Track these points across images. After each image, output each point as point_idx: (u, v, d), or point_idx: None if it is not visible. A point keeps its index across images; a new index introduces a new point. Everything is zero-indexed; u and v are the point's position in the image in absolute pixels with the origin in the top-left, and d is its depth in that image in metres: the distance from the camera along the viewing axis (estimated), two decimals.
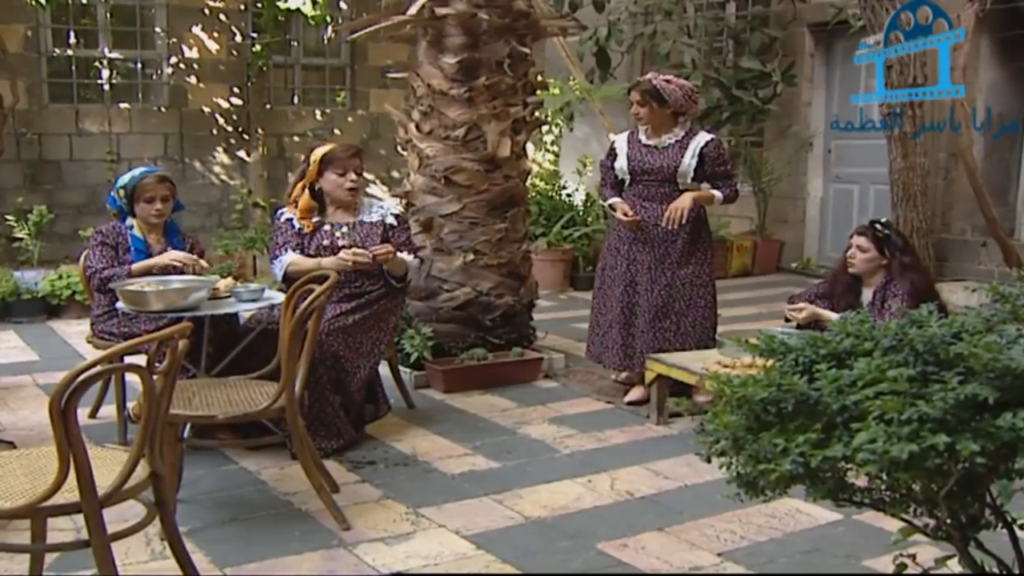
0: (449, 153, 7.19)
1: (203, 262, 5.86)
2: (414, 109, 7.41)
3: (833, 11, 11.54)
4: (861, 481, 2.71)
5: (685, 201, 6.43)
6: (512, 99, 7.26)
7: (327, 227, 6.02)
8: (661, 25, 12.27)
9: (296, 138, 13.19)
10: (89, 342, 6.11)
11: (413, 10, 6.97)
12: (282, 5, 11.99)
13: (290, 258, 5.92)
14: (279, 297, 5.41)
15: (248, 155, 12.74)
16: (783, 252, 12.98)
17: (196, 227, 11.57)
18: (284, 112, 13.26)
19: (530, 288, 7.61)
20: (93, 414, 6.33)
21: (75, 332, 8.83)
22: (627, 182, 6.73)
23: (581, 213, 12.00)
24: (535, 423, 6.30)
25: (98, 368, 3.03)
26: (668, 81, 6.49)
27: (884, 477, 2.57)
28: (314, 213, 6.03)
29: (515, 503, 4.95)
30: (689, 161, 6.52)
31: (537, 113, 7.76)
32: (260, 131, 12.72)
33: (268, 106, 13.03)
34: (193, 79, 12.51)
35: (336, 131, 13.37)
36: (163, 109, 12.48)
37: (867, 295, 6.14)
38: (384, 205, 6.19)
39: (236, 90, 12.77)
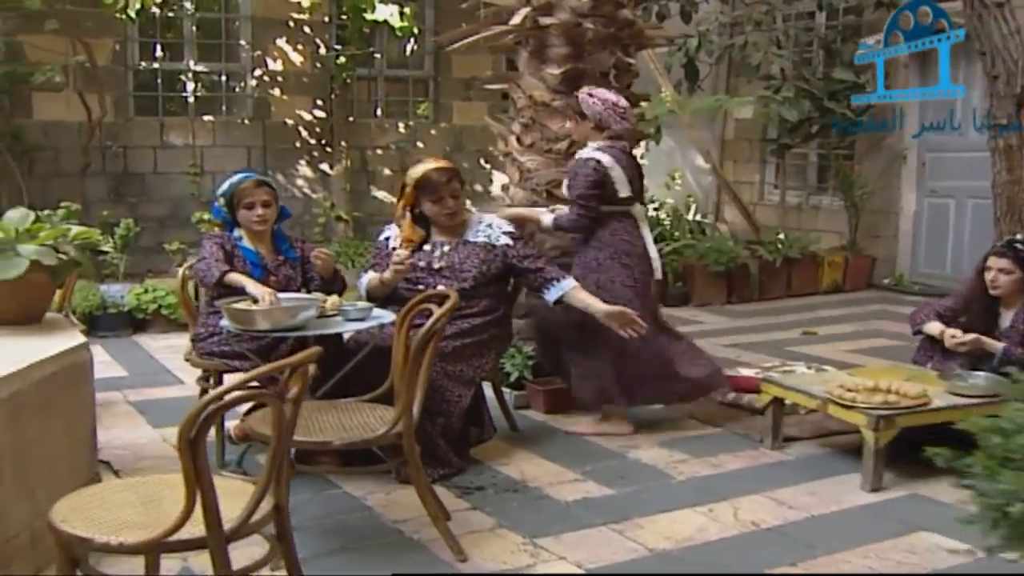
0: (551, 166, 6.99)
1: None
2: (514, 121, 7.22)
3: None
4: None
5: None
6: None
7: (428, 247, 5.83)
8: (751, 36, 12.01)
9: (379, 151, 13.09)
10: (187, 360, 5.95)
11: (516, 20, 6.78)
12: (369, 16, 11.87)
13: (368, 277, 5.79)
14: (388, 316, 5.23)
15: (331, 168, 12.64)
16: (875, 268, 12.63)
17: None
18: (367, 124, 13.16)
19: None
20: None
21: (161, 347, 8.72)
22: None
23: (669, 228, 11.76)
24: (644, 447, 6.07)
25: (230, 396, 2.84)
26: (590, 95, 6.21)
27: None
28: (415, 236, 5.83)
29: (636, 533, 4.72)
30: (567, 180, 6.32)
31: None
32: (343, 144, 12.61)
33: (351, 118, 12.92)
34: (277, 91, 12.45)
35: (419, 143, 13.25)
36: (247, 121, 12.43)
37: (1007, 318, 5.84)
38: (492, 225, 5.88)
39: (319, 102, 12.68)
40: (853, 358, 8.34)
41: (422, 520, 4.68)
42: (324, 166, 12.64)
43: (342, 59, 12.47)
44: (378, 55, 13.23)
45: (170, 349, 8.67)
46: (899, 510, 5.05)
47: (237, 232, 5.75)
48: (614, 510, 5.01)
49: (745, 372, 7.02)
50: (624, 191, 6.20)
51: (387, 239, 5.96)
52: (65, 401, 4.51)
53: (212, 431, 5.53)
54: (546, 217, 6.29)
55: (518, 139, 7.15)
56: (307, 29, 12.45)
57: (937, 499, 5.11)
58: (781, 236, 12.02)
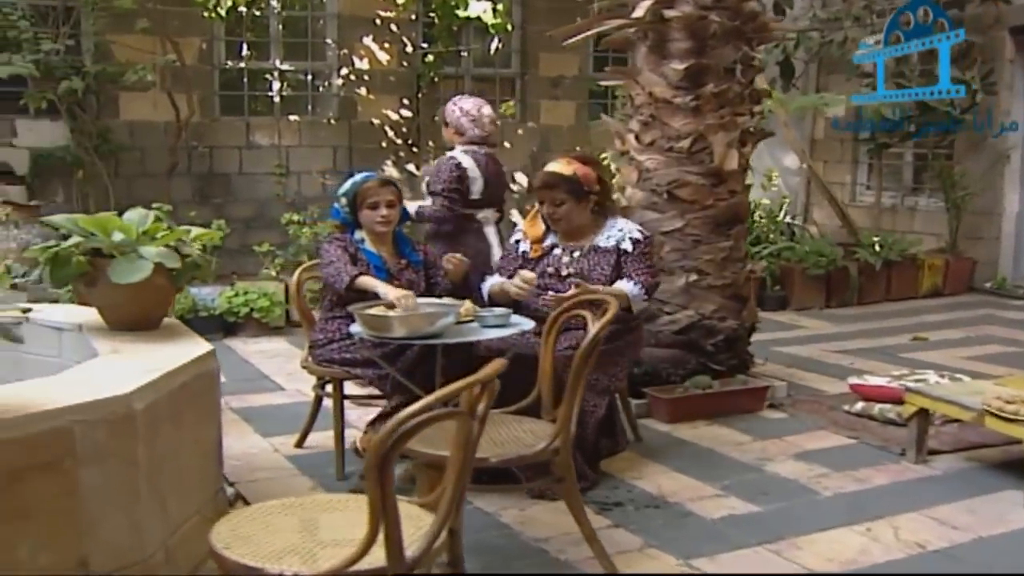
0: (672, 166, 6.72)
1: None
2: (632, 119, 6.95)
3: None
4: None
5: None
6: (739, 108, 6.76)
7: (557, 251, 5.56)
8: (851, 32, 11.65)
9: None
10: (304, 367, 5.73)
11: (639, 12, 6.51)
12: (461, 13, 11.64)
13: (493, 282, 5.57)
14: (528, 323, 4.96)
15: (417, 168, 12.38)
16: (975, 271, 12.24)
17: None
18: None
19: (752, 311, 7.09)
20: (300, 443, 5.97)
21: (254, 351, 8.55)
22: None
23: (765, 230, 11.44)
24: (779, 459, 5.78)
25: (422, 417, 2.59)
26: (454, 103, 6.69)
27: None
28: (546, 237, 5.58)
29: (795, 555, 4.44)
30: (428, 177, 6.60)
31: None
32: (430, 144, 12.38)
33: (437, 118, 12.67)
34: (363, 90, 12.23)
35: (506, 144, 12.98)
36: (332, 121, 12.23)
37: None
38: (624, 228, 5.56)
39: (406, 102, 12.45)
40: (973, 365, 8.00)
41: (565, 539, 4.47)
42: (410, 166, 12.39)
43: (430, 58, 12.23)
44: (464, 53, 12.95)
45: (264, 354, 8.50)
46: None
47: (358, 234, 5.52)
48: (765, 528, 4.73)
49: (873, 381, 6.69)
50: (475, 194, 6.56)
51: (517, 242, 5.73)
52: (195, 411, 4.29)
53: (331, 442, 5.46)
54: (411, 206, 6.40)
55: (636, 137, 6.88)
56: (394, 27, 12.22)
57: None
58: (877, 238, 11.65)
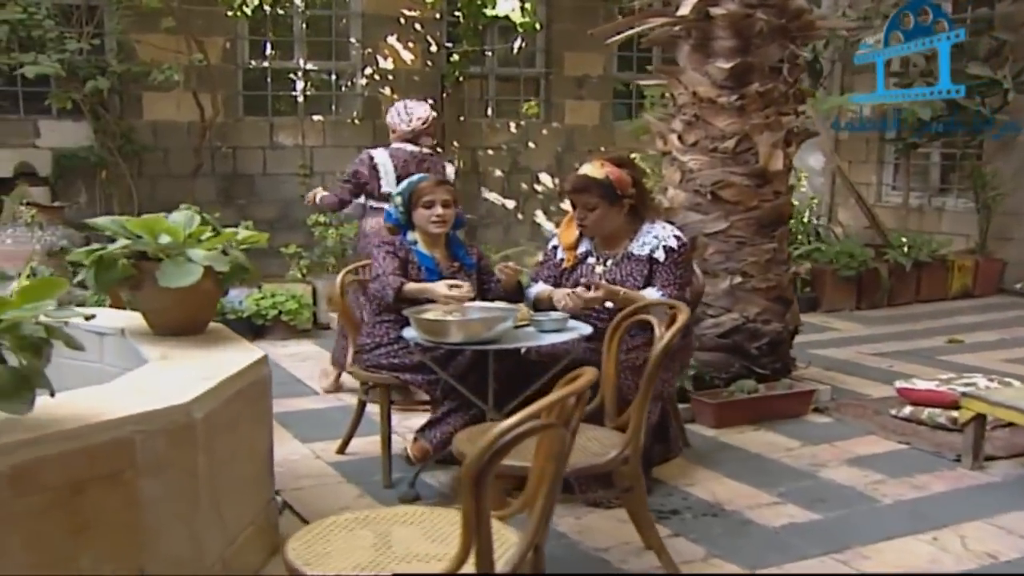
0: (716, 166, 6.61)
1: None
2: (675, 119, 6.84)
3: None
4: None
5: None
6: (784, 107, 6.65)
7: (591, 260, 5.39)
8: (879, 31, 11.50)
9: (490, 151, 12.71)
10: (350, 372, 5.62)
11: (684, 10, 6.40)
12: (489, 12, 11.52)
13: (538, 289, 5.42)
14: (586, 328, 4.84)
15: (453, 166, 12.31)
16: (1005, 272, 12.10)
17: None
18: (478, 124, 12.81)
19: (794, 314, 6.98)
20: (342, 449, 5.87)
21: (284, 355, 8.44)
22: None
23: (794, 231, 11.31)
24: (831, 465, 5.67)
25: (521, 429, 2.48)
26: (395, 104, 7.12)
27: None
28: (579, 243, 5.44)
29: (862, 565, 4.33)
30: None
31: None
32: (455, 144, 12.27)
33: (461, 118, 12.58)
34: (387, 90, 12.10)
35: (530, 144, 12.90)
36: (357, 121, 12.11)
37: None
38: (659, 234, 5.28)
39: (430, 101, 12.29)
40: (1013, 368, 7.87)
41: (626, 548, 4.39)
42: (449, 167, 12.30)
43: (454, 57, 12.12)
44: (489, 53, 12.84)
45: (294, 357, 8.40)
46: None
47: (411, 236, 5.41)
48: (828, 537, 4.62)
49: (922, 385, 6.56)
50: (385, 187, 6.88)
51: (554, 248, 5.59)
52: (249, 419, 4.20)
53: (373, 448, 5.36)
54: (320, 193, 7.23)
55: (679, 137, 6.76)
56: (418, 26, 12.11)
57: None
58: (906, 239, 11.53)
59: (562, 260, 5.46)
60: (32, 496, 3.01)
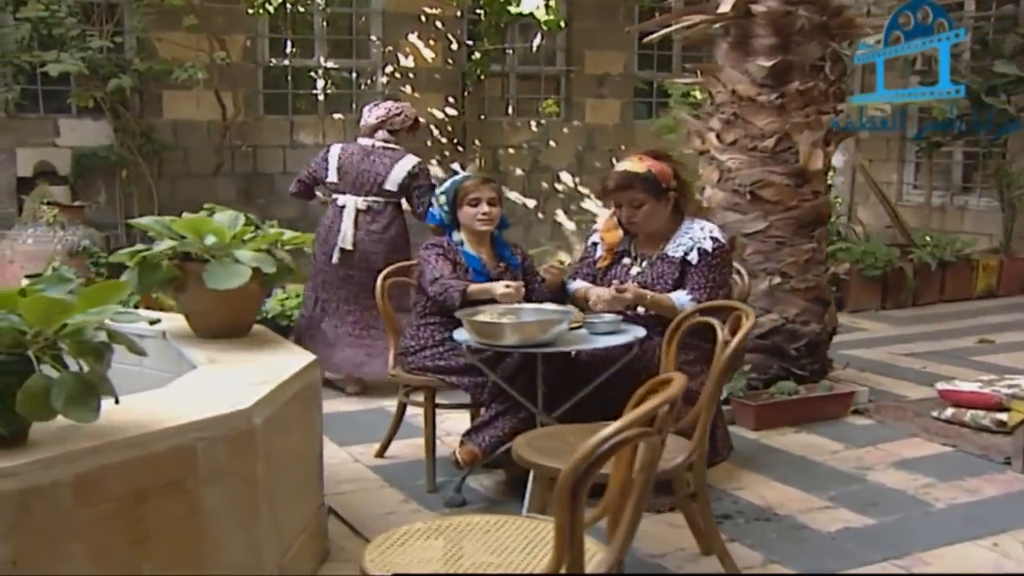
0: (755, 166, 6.54)
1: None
2: (712, 117, 6.76)
3: None
4: None
5: None
6: (824, 106, 6.58)
7: (627, 260, 5.28)
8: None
9: (511, 150, 12.63)
10: (392, 375, 5.54)
11: (725, 7, 6.32)
12: (513, 10, 11.43)
13: (577, 286, 5.32)
14: (639, 331, 4.75)
15: (463, 168, 12.20)
16: None
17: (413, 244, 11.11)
18: (498, 123, 12.71)
19: (832, 315, 6.91)
20: (381, 453, 5.80)
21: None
22: None
23: None
24: (879, 468, 5.59)
25: (618, 438, 2.41)
26: (377, 106, 7.32)
27: None
28: (621, 243, 5.35)
29: (925, 571, 4.25)
30: None
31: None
32: (476, 142, 12.19)
33: (482, 116, 12.49)
34: (408, 88, 12.01)
35: (551, 143, 12.82)
36: None
37: None
38: (696, 235, 5.08)
39: (451, 100, 12.26)
40: None
41: (681, 555, 4.33)
42: (456, 166, 12.20)
43: (476, 55, 12.04)
44: (510, 51, 12.75)
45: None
46: None
47: (456, 236, 5.34)
48: (886, 543, 4.54)
49: (965, 387, 6.48)
50: (330, 177, 7.20)
51: (594, 244, 5.49)
52: (302, 424, 4.13)
53: (413, 451, 5.29)
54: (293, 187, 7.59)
55: (718, 136, 6.69)
56: (439, 24, 12.02)
57: None
58: (931, 239, 11.45)
59: (599, 258, 5.37)
60: (96, 505, 2.94)
